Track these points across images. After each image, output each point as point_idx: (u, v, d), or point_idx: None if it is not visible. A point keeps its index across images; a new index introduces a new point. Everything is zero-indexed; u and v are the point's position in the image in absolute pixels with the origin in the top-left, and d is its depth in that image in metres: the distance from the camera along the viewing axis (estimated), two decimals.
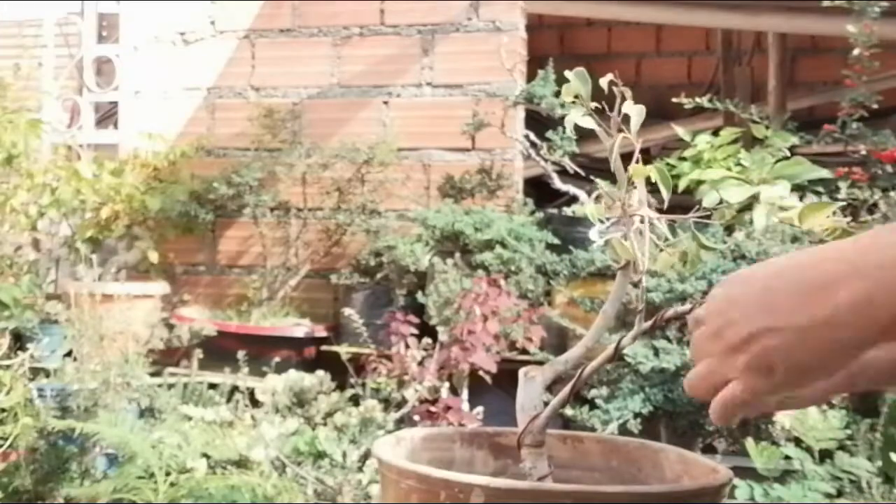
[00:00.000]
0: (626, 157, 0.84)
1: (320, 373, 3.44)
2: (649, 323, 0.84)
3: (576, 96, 0.83)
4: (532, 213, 3.80)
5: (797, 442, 2.70)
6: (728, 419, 0.73)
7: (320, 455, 2.97)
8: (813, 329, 0.66)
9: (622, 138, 0.82)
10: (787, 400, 0.72)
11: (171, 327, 3.76)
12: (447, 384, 3.28)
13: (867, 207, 3.32)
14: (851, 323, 0.65)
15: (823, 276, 0.66)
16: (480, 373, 3.17)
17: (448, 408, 3.08)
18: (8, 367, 3.36)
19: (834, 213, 0.81)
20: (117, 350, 3.36)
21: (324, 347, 3.85)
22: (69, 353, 3.45)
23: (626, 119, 0.82)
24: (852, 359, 0.67)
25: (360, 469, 2.90)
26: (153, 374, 3.46)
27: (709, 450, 3.04)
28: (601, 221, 0.87)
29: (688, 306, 0.83)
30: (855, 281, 0.64)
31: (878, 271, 0.64)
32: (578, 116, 0.83)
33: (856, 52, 3.46)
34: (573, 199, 3.71)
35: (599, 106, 0.83)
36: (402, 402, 3.15)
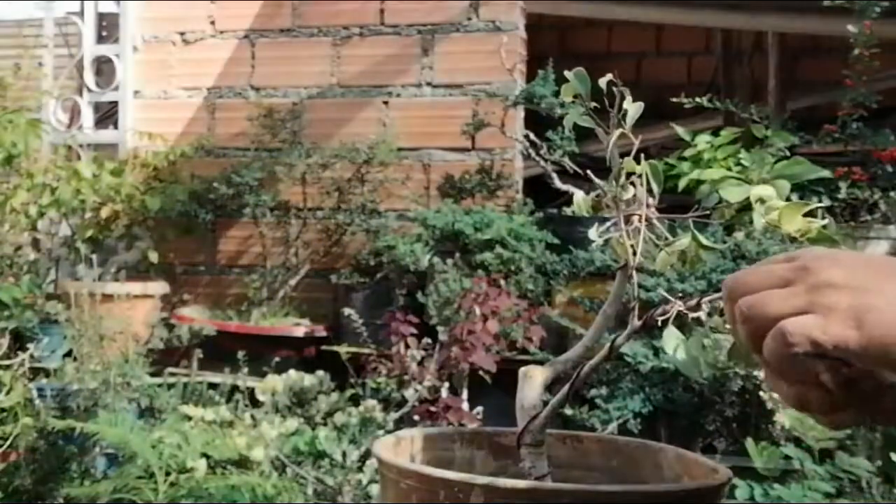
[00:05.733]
0: (628, 156, 0.84)
1: (320, 373, 3.44)
2: (640, 322, 0.84)
3: (575, 96, 0.83)
4: (532, 213, 3.80)
5: (797, 442, 2.70)
6: (782, 354, 0.64)
7: (320, 455, 2.97)
8: None
9: (623, 137, 0.83)
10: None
11: (171, 327, 3.76)
12: (447, 384, 3.28)
13: (867, 207, 3.32)
14: None
15: None
16: (480, 373, 3.17)
17: (448, 407, 3.08)
18: (8, 367, 3.36)
19: (812, 213, 0.78)
20: (117, 350, 3.36)
21: (324, 347, 3.84)
22: (69, 353, 3.45)
23: (625, 117, 0.82)
24: None
25: (359, 469, 2.90)
26: (153, 374, 3.46)
27: (708, 450, 3.04)
28: (588, 214, 0.87)
29: (672, 307, 0.83)
30: None
31: None
32: (577, 115, 0.83)
33: (856, 52, 3.46)
34: (573, 199, 3.70)
35: (598, 105, 0.83)
36: (402, 402, 3.15)
